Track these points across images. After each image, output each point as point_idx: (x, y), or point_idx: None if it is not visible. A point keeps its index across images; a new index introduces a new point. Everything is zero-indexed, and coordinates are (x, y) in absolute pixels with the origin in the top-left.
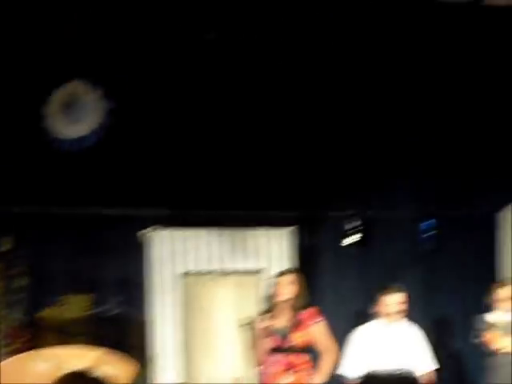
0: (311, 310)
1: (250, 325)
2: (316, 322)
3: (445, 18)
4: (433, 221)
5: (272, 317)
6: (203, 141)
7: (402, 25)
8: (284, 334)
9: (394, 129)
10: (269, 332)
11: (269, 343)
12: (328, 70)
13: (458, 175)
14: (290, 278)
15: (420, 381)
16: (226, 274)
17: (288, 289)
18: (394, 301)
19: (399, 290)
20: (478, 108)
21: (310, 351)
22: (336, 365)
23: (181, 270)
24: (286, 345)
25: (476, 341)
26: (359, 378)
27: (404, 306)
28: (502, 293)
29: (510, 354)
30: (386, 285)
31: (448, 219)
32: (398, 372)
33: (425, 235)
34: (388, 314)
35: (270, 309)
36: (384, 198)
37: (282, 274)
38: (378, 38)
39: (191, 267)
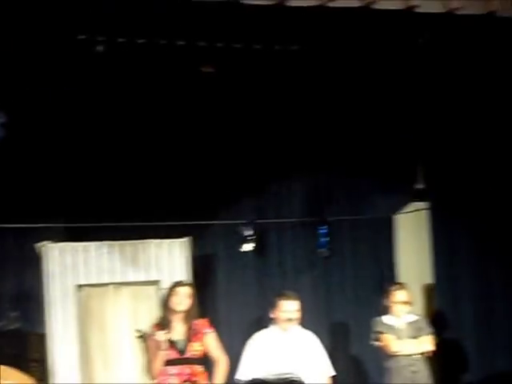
0: (203, 321)
1: (145, 336)
2: (208, 333)
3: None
4: (326, 226)
5: (167, 328)
6: (94, 154)
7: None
8: (181, 346)
9: (286, 136)
10: (165, 344)
11: (166, 355)
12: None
13: (354, 179)
14: (185, 290)
15: None
16: (121, 285)
17: (184, 300)
18: (289, 307)
19: (294, 297)
20: (372, 111)
21: (205, 362)
22: (227, 374)
23: (77, 282)
24: (184, 356)
25: (373, 344)
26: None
27: (299, 313)
28: (398, 296)
29: (406, 357)
30: (281, 291)
31: (345, 223)
32: (286, 377)
33: (321, 240)
34: (284, 321)
35: (165, 320)
36: (279, 204)
37: (176, 285)
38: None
39: (87, 280)
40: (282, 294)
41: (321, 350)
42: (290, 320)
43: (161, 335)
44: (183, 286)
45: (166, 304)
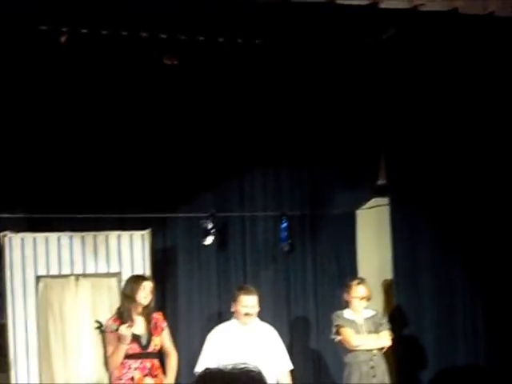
0: (160, 315)
1: (104, 328)
2: (165, 327)
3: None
4: (288, 220)
5: (129, 321)
6: (56, 144)
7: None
8: (144, 340)
9: (248, 129)
10: (128, 338)
11: (128, 348)
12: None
13: (316, 174)
14: (150, 284)
15: (272, 380)
16: (82, 277)
17: (149, 295)
18: (249, 302)
19: (254, 292)
20: (335, 107)
21: (160, 356)
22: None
23: (38, 273)
24: (147, 351)
25: (333, 338)
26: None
27: (258, 308)
28: (358, 291)
29: (365, 352)
30: (241, 285)
31: (306, 218)
32: (242, 366)
33: (282, 234)
34: (243, 315)
35: (126, 313)
36: (241, 197)
37: (142, 279)
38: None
39: (48, 271)
40: (241, 288)
41: (280, 343)
42: (248, 315)
43: (124, 329)
44: (148, 280)
45: (129, 298)
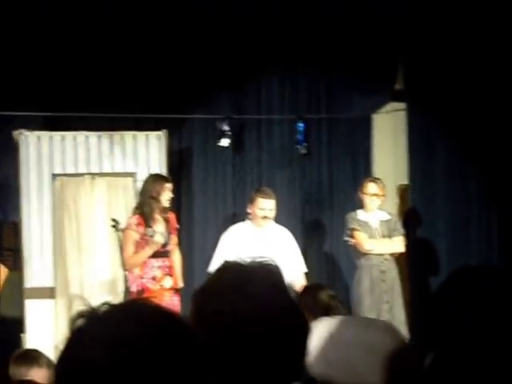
0: (173, 215)
1: (123, 227)
2: (178, 228)
3: None
4: (304, 123)
5: (151, 221)
6: (72, 44)
7: None
8: (165, 239)
9: (265, 32)
10: (158, 243)
11: (155, 247)
12: None
13: (333, 78)
14: (171, 186)
15: (290, 281)
16: (97, 176)
17: (170, 196)
18: (266, 205)
19: (271, 195)
20: (352, 10)
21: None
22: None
23: (52, 171)
24: (166, 249)
25: (346, 240)
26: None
27: (274, 211)
28: (370, 188)
29: (377, 256)
30: (259, 188)
31: (322, 121)
32: (260, 260)
33: (298, 137)
34: (260, 217)
35: (146, 212)
36: (257, 100)
37: (163, 180)
38: None
39: (63, 169)
40: (259, 191)
41: (295, 246)
42: (265, 218)
43: (160, 237)
44: (170, 181)
45: (153, 199)
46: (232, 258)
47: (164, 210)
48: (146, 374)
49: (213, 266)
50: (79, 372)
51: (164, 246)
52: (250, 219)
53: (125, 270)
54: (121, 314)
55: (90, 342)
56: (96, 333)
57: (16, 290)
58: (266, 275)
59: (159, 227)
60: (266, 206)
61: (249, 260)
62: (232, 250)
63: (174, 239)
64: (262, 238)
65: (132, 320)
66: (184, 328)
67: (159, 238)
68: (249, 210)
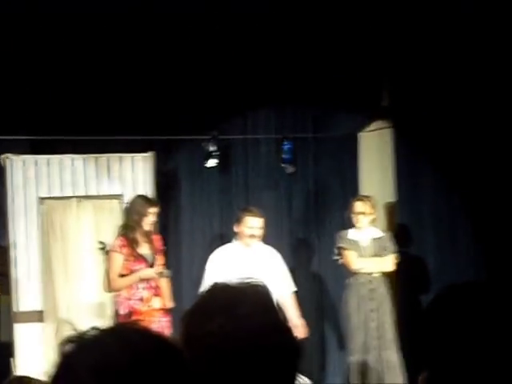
0: (158, 237)
1: (107, 249)
2: (163, 250)
3: None
4: (291, 142)
5: (134, 242)
6: (58, 68)
7: None
8: (150, 260)
9: (251, 52)
10: (135, 258)
11: (137, 268)
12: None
13: (318, 96)
14: (156, 210)
15: (278, 300)
16: (84, 198)
17: (153, 221)
18: (254, 224)
19: (259, 214)
20: (338, 27)
21: None
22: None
23: (38, 195)
24: (165, 273)
25: (335, 259)
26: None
27: (262, 230)
28: (357, 206)
29: (365, 275)
30: (247, 207)
31: (309, 140)
32: (248, 281)
33: (285, 157)
34: (247, 236)
35: (129, 236)
36: (245, 120)
37: (147, 205)
38: None
39: (50, 192)
40: (247, 210)
41: (283, 266)
42: (253, 236)
43: (128, 249)
44: (156, 206)
45: (136, 222)
46: (220, 278)
47: (146, 234)
48: None
49: (202, 288)
50: None
51: (151, 266)
52: (236, 239)
53: (108, 291)
54: (108, 338)
55: (77, 368)
56: (83, 358)
57: (7, 315)
58: (254, 296)
59: (143, 248)
60: (253, 224)
61: (237, 281)
62: (220, 270)
63: (160, 260)
64: (249, 258)
65: (120, 345)
66: (174, 351)
67: (168, 274)
68: (236, 230)
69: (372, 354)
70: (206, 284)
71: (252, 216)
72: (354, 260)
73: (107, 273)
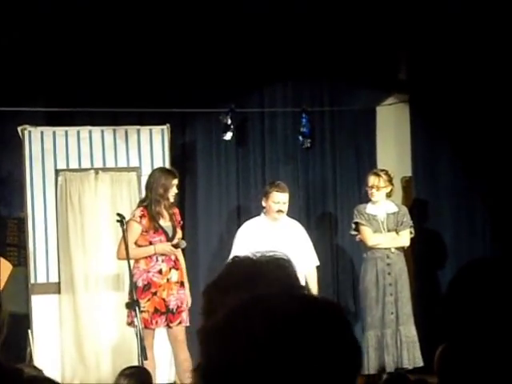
0: (177, 210)
1: (126, 220)
2: (181, 223)
3: None
4: (308, 116)
5: (159, 215)
6: (76, 39)
7: None
8: (170, 232)
9: (269, 25)
10: (154, 229)
11: (157, 240)
12: None
13: (336, 70)
14: (177, 181)
15: (302, 275)
16: (100, 171)
17: (176, 191)
18: (281, 198)
19: (285, 189)
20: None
21: None
22: None
23: (56, 167)
24: (172, 242)
25: (353, 234)
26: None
27: (287, 204)
28: (371, 180)
29: (382, 250)
30: (274, 181)
31: (326, 114)
32: (270, 254)
33: (302, 130)
34: (276, 211)
35: (154, 209)
36: (261, 93)
37: (170, 176)
38: None
39: (67, 164)
40: (274, 185)
41: (307, 240)
42: (280, 211)
43: (147, 220)
44: (177, 177)
45: (161, 195)
46: (246, 252)
47: (170, 206)
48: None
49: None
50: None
51: (170, 239)
52: (264, 213)
53: (119, 258)
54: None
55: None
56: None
57: (21, 286)
58: (276, 269)
59: (166, 222)
60: (280, 199)
61: (259, 254)
62: (247, 244)
63: (179, 233)
64: (276, 232)
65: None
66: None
67: (183, 245)
68: (263, 204)
69: (389, 329)
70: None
71: (279, 191)
72: (369, 236)
73: (121, 241)
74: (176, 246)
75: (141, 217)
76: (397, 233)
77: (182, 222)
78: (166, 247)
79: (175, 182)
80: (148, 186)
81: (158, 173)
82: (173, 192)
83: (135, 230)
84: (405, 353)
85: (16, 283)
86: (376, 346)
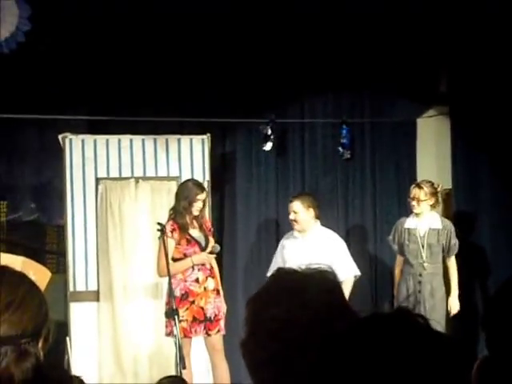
0: (206, 219)
1: (163, 231)
2: (212, 231)
3: None
4: (348, 128)
5: (185, 227)
6: (119, 48)
7: None
8: (203, 242)
9: (310, 36)
10: (187, 241)
11: (191, 251)
12: None
13: (377, 82)
14: (205, 195)
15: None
16: (141, 179)
17: (200, 206)
18: (290, 208)
19: (294, 197)
20: (395, 14)
21: None
22: None
23: (97, 175)
24: (214, 249)
25: (393, 245)
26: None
27: (300, 214)
28: (412, 192)
29: (417, 266)
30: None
31: (366, 126)
32: (316, 267)
33: (342, 142)
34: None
35: (179, 221)
36: (302, 104)
37: (195, 190)
38: None
39: (107, 173)
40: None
41: (343, 250)
42: (292, 221)
43: (179, 231)
44: (204, 191)
45: (185, 209)
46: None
47: (195, 218)
48: None
49: (269, 273)
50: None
51: (204, 249)
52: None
53: (160, 276)
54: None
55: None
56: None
57: (60, 294)
58: (321, 282)
59: (194, 230)
60: (290, 209)
61: (304, 267)
62: (281, 255)
63: (212, 241)
64: (312, 243)
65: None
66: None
67: (217, 249)
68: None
69: None
70: (273, 268)
71: (290, 202)
72: (398, 267)
73: (159, 257)
74: (211, 253)
75: (172, 231)
76: (445, 257)
77: (212, 229)
78: (203, 256)
79: (201, 196)
80: (175, 197)
81: (185, 184)
82: (197, 206)
83: (169, 245)
84: None
85: (55, 291)
86: None
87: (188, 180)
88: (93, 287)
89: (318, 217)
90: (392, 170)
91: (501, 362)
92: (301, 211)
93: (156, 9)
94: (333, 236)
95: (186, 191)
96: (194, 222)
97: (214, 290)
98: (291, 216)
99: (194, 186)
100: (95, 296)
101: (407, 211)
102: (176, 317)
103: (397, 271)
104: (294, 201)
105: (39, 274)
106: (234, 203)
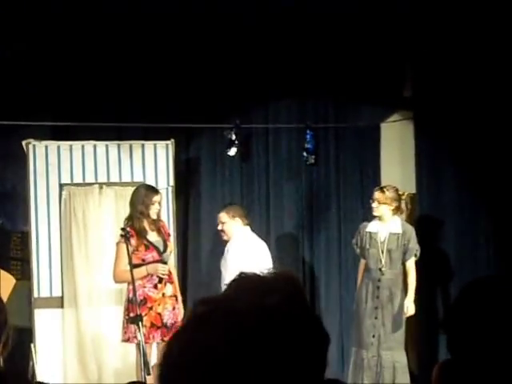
0: (163, 223)
1: (127, 237)
2: (170, 235)
3: None
4: (312, 133)
5: (143, 232)
6: (81, 53)
7: None
8: (160, 246)
9: (274, 41)
10: (145, 247)
11: (149, 257)
12: None
13: (341, 87)
14: (160, 198)
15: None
16: (105, 185)
17: (158, 208)
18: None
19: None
20: (360, 18)
21: None
22: None
23: (60, 181)
24: (164, 258)
25: (356, 249)
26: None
27: (223, 225)
28: (374, 195)
29: (377, 271)
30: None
31: (330, 131)
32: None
33: (306, 147)
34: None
35: (136, 227)
36: (266, 109)
37: (150, 193)
38: None
39: (71, 179)
40: None
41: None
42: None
43: (136, 237)
44: (159, 193)
45: (142, 213)
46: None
47: (153, 222)
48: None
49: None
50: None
51: (162, 254)
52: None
53: (115, 281)
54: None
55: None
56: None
57: (24, 300)
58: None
59: (151, 235)
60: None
61: (265, 271)
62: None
63: (170, 246)
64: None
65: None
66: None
67: (167, 257)
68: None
69: (369, 351)
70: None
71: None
72: (360, 271)
73: (116, 263)
74: (164, 262)
75: (129, 237)
76: (403, 261)
77: (170, 234)
78: (157, 267)
79: (156, 198)
80: (131, 204)
81: (139, 189)
82: (155, 209)
83: (125, 251)
84: (386, 377)
85: (19, 297)
86: (356, 365)
87: (140, 185)
88: (57, 293)
89: (248, 224)
90: (356, 174)
91: (462, 364)
92: (227, 221)
93: (117, 13)
94: (259, 243)
95: (140, 196)
96: (152, 226)
97: (172, 295)
98: (219, 227)
99: (148, 189)
100: (59, 302)
101: (371, 215)
102: (140, 323)
103: (359, 275)
104: (220, 212)
105: (3, 281)
106: (198, 208)
